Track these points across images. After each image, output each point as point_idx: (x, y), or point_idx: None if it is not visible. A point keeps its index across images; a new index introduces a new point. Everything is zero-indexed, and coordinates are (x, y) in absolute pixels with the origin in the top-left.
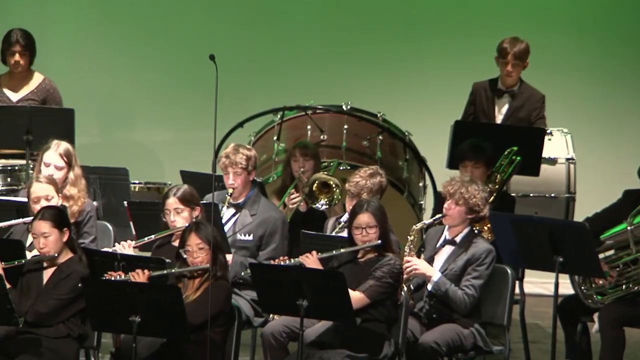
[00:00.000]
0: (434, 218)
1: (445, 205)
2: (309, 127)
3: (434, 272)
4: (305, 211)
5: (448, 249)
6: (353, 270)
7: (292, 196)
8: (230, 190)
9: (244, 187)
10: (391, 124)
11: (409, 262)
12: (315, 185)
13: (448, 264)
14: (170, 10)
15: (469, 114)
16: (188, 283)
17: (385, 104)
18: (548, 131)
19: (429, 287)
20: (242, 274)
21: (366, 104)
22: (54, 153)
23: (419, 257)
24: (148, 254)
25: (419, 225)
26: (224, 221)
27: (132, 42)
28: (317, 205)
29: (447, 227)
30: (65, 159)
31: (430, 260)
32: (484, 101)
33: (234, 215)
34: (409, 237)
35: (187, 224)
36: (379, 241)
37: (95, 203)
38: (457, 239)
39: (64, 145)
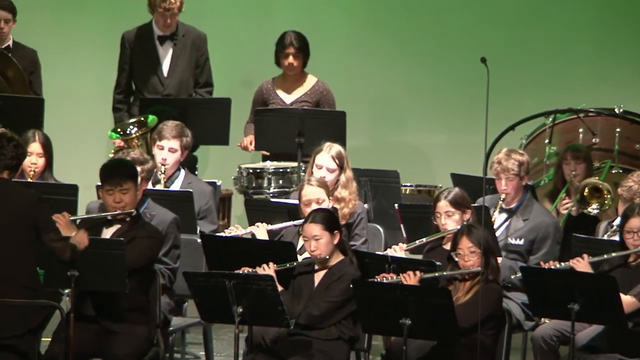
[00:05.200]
0: None
1: None
2: (580, 130)
3: None
4: (577, 215)
5: None
6: (624, 274)
7: (564, 202)
8: (503, 196)
9: (516, 192)
10: None
11: None
12: (587, 190)
13: None
14: (442, 12)
15: None
16: (458, 286)
17: None
18: None
19: None
20: (512, 277)
21: (638, 106)
22: (327, 155)
23: None
24: (419, 257)
25: None
26: (495, 226)
27: (404, 44)
28: (589, 210)
29: None
30: (337, 161)
31: None
32: None
33: (506, 220)
34: None
35: (458, 227)
36: None
37: (366, 205)
38: None
39: (336, 147)
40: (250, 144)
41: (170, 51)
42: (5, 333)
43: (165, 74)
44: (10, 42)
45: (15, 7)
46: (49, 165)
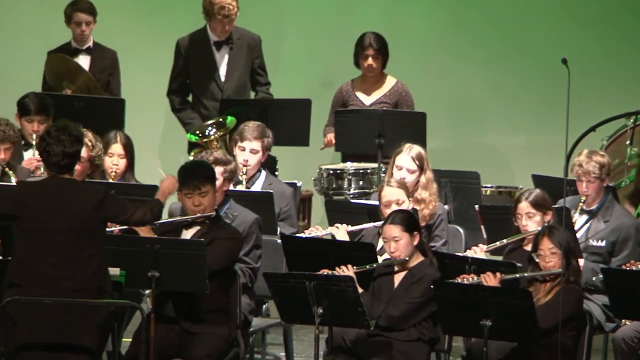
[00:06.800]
0: None
1: None
2: None
3: None
4: None
5: None
6: None
7: None
8: (583, 198)
9: (597, 194)
10: None
11: None
12: None
13: None
14: (522, 13)
15: None
16: (539, 287)
17: None
18: None
19: None
20: (594, 278)
21: None
22: (407, 156)
23: None
24: (499, 258)
25: None
26: (576, 227)
27: (484, 45)
28: None
29: None
30: (417, 162)
31: None
32: None
33: (586, 221)
34: None
35: (538, 229)
36: None
37: (446, 206)
38: None
39: (417, 148)
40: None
41: (227, 56)
42: (70, 333)
43: (222, 78)
44: (90, 43)
45: (95, 9)
46: (130, 166)
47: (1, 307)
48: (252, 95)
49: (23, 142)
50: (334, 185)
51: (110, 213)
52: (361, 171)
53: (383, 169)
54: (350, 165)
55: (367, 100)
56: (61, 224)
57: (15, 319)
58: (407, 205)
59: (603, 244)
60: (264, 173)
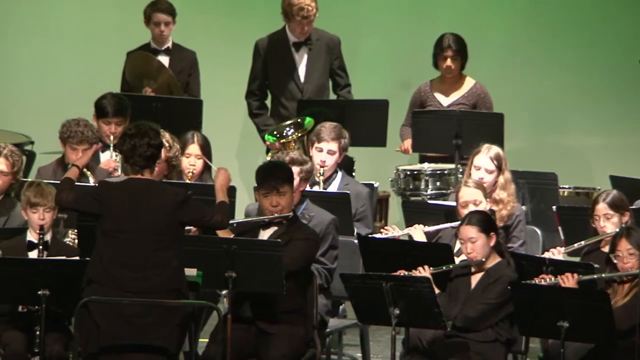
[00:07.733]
0: None
1: None
2: None
3: None
4: None
5: None
6: None
7: None
8: None
9: None
10: None
11: None
12: None
13: None
14: (600, 13)
15: None
16: (617, 288)
17: None
18: None
19: None
20: None
21: None
22: (485, 157)
23: None
24: (576, 259)
25: None
26: None
27: (562, 45)
28: None
29: None
30: (495, 162)
31: None
32: None
33: None
34: None
35: (616, 230)
36: None
37: (524, 207)
38: None
39: (495, 149)
40: (411, 147)
41: (306, 57)
42: (149, 334)
43: (302, 79)
44: (169, 44)
45: (175, 9)
46: (207, 166)
47: (79, 307)
48: (333, 97)
49: (100, 144)
50: (411, 186)
51: (189, 216)
52: (438, 172)
53: (460, 170)
54: (427, 166)
55: (445, 101)
56: (140, 225)
57: (95, 319)
58: (485, 205)
59: None
60: (340, 174)
